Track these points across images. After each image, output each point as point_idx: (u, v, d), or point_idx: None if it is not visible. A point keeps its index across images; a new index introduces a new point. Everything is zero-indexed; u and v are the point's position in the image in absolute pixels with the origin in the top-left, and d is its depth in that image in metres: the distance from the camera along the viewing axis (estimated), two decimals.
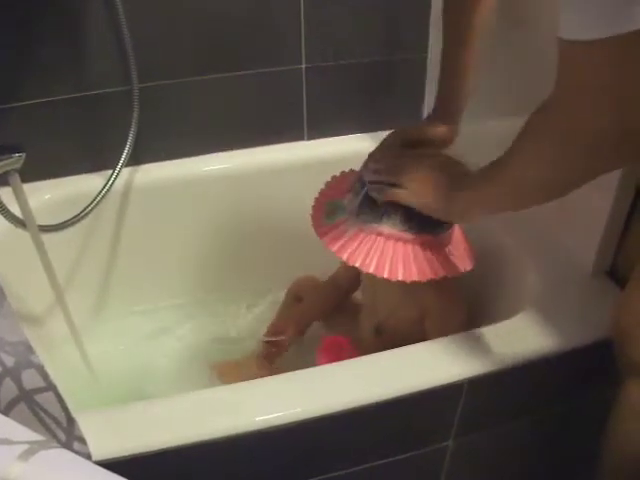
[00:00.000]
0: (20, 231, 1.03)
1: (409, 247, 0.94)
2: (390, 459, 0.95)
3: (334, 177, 1.07)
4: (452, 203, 0.87)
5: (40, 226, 1.04)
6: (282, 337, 1.24)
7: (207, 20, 1.24)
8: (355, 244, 0.95)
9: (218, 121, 1.36)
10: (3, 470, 0.43)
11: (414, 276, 0.92)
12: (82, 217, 1.19)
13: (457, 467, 1.02)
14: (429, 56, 1.39)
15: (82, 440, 0.72)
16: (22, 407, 0.64)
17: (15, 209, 1.01)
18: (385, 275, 0.92)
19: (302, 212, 1.05)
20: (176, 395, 0.89)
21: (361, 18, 1.33)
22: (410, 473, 1.00)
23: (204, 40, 1.26)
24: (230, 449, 0.82)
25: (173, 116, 1.32)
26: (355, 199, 0.97)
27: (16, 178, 0.94)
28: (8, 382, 0.63)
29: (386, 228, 0.94)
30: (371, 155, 1.01)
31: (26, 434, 0.50)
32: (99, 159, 1.29)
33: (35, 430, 0.52)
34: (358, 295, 1.25)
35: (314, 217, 1.02)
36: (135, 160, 1.31)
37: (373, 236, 0.94)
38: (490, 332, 0.94)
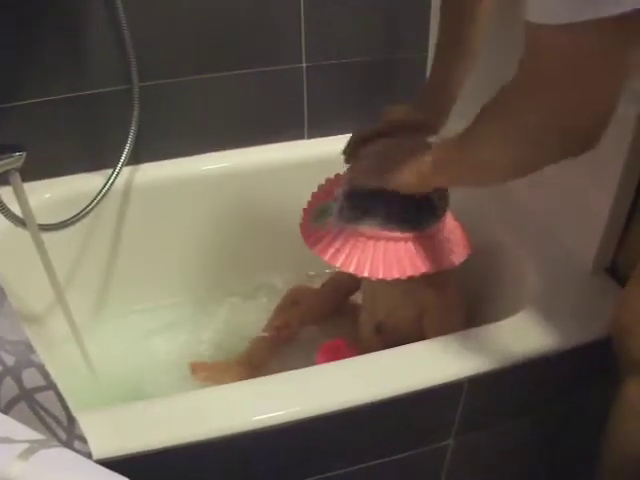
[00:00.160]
0: (20, 230, 1.03)
1: (391, 245, 0.94)
2: (390, 458, 0.95)
3: (327, 179, 1.07)
4: (423, 178, 0.87)
5: (40, 225, 1.04)
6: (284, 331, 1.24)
7: (207, 19, 1.24)
8: (337, 245, 0.95)
9: (218, 120, 1.36)
10: (3, 469, 0.43)
11: (395, 274, 0.92)
12: (82, 216, 1.19)
13: (458, 466, 1.02)
14: (429, 55, 1.39)
15: (83, 439, 0.72)
16: (22, 406, 0.64)
17: (15, 208, 1.01)
18: (365, 274, 0.92)
19: (302, 211, 1.05)
20: (176, 394, 0.89)
21: (361, 17, 1.33)
22: (411, 472, 1.00)
23: (204, 39, 1.26)
24: (230, 448, 0.82)
25: (173, 115, 1.32)
26: (338, 200, 0.98)
27: (16, 177, 0.93)
28: (8, 381, 0.63)
29: (367, 228, 0.94)
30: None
31: (26, 433, 0.50)
32: (99, 158, 1.29)
33: (35, 429, 0.52)
34: (357, 296, 1.25)
35: (303, 220, 1.03)
36: (135, 159, 1.31)
37: (354, 236, 0.94)
38: (490, 331, 0.94)
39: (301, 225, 1.03)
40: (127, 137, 1.23)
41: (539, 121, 0.65)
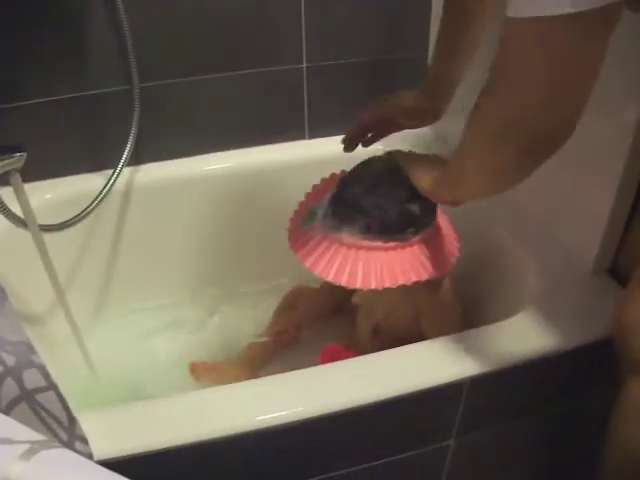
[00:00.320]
0: (21, 231, 1.03)
1: (371, 254, 0.92)
2: (391, 458, 0.95)
3: (323, 179, 1.07)
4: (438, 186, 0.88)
5: (41, 226, 1.04)
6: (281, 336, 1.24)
7: (208, 20, 1.24)
8: (319, 251, 0.94)
9: (219, 120, 1.36)
10: (4, 470, 0.43)
11: (372, 284, 0.91)
12: (83, 217, 1.19)
13: (458, 466, 1.01)
14: (430, 55, 1.39)
15: (84, 440, 0.72)
16: (23, 407, 0.64)
17: (16, 209, 1.01)
18: (343, 283, 0.91)
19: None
20: (178, 394, 0.89)
21: (362, 17, 1.33)
22: (412, 472, 1.00)
23: (205, 40, 1.26)
24: (232, 449, 0.82)
25: (174, 116, 1.32)
26: (324, 205, 0.98)
27: (17, 178, 0.93)
28: (9, 382, 0.63)
29: (348, 236, 0.93)
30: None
31: (27, 434, 0.50)
32: (100, 159, 1.29)
33: (36, 430, 0.52)
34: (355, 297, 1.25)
35: (292, 220, 1.03)
36: (136, 160, 1.31)
37: (336, 243, 0.94)
38: (491, 331, 0.94)
39: (289, 227, 1.02)
40: (128, 137, 1.23)
41: (509, 122, 0.65)
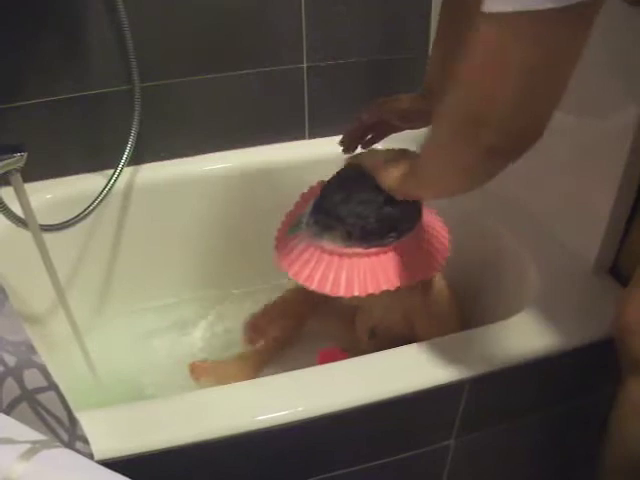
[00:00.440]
0: (22, 231, 1.03)
1: (354, 261, 0.92)
2: (392, 458, 0.95)
3: (311, 187, 1.07)
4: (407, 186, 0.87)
5: (41, 226, 1.04)
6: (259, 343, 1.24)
7: (208, 19, 1.24)
8: (303, 259, 0.94)
9: (219, 120, 1.36)
10: (6, 469, 0.43)
11: (355, 291, 0.90)
12: (83, 217, 1.19)
13: (459, 466, 1.01)
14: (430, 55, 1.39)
15: (84, 439, 0.72)
16: (24, 407, 0.64)
17: (17, 209, 1.01)
18: (327, 291, 0.91)
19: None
20: (179, 394, 0.89)
21: (362, 17, 1.33)
22: (412, 472, 1.00)
23: (205, 39, 1.26)
24: (231, 448, 0.82)
25: (174, 115, 1.32)
26: (306, 213, 0.98)
27: (18, 178, 0.93)
28: (10, 382, 0.63)
29: (329, 244, 0.93)
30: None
31: (28, 434, 0.50)
32: (100, 159, 1.29)
33: (37, 430, 0.52)
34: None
35: (280, 231, 1.03)
36: (136, 160, 1.31)
37: (319, 251, 0.93)
38: (492, 331, 0.94)
39: (277, 236, 1.02)
40: (128, 137, 1.23)
41: (480, 119, 0.62)
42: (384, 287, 0.90)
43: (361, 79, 1.40)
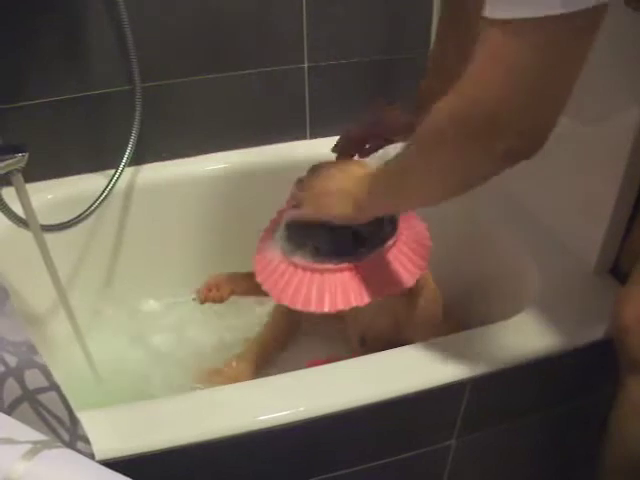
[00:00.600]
0: (23, 231, 1.03)
1: (326, 277, 0.92)
2: (393, 458, 0.95)
3: (288, 200, 1.06)
4: (359, 209, 0.86)
5: (43, 226, 1.04)
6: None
7: (209, 19, 1.24)
8: (277, 274, 0.95)
9: (221, 120, 1.36)
10: (7, 469, 0.43)
11: (325, 307, 0.90)
12: (84, 217, 1.19)
13: (460, 466, 1.01)
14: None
15: (85, 439, 0.72)
16: (25, 407, 0.64)
17: (18, 209, 1.01)
18: (299, 307, 0.91)
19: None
20: (180, 394, 0.89)
21: (363, 17, 1.33)
22: (413, 472, 1.00)
23: (206, 40, 1.26)
24: (233, 448, 0.82)
25: (176, 116, 1.32)
26: (282, 229, 0.99)
27: (19, 178, 0.94)
28: (11, 382, 0.63)
29: (300, 260, 0.94)
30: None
31: (29, 434, 0.50)
32: (101, 159, 1.29)
33: (38, 430, 0.52)
34: None
35: (262, 239, 1.03)
36: (137, 160, 1.31)
37: (291, 268, 0.94)
38: (493, 331, 0.94)
39: (257, 246, 1.02)
40: (129, 137, 1.23)
41: (481, 125, 0.62)
42: (354, 303, 0.91)
43: (362, 79, 1.40)
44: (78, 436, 0.71)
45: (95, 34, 1.19)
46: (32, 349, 0.67)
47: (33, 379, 0.66)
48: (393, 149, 0.83)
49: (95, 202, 1.21)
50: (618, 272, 1.02)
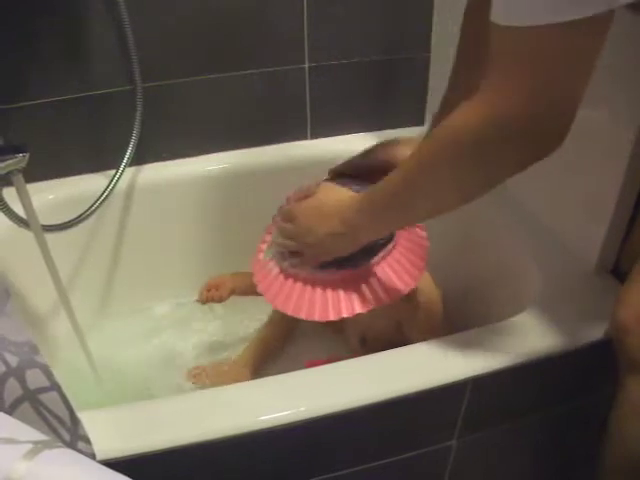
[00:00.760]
0: (24, 231, 1.04)
1: (317, 286, 0.93)
2: (394, 458, 0.95)
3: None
4: (356, 240, 0.86)
5: (43, 226, 1.04)
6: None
7: (210, 19, 1.24)
8: (269, 281, 0.96)
9: (221, 120, 1.36)
10: (7, 469, 0.44)
11: (316, 316, 0.91)
12: (85, 217, 1.19)
13: (461, 467, 1.01)
14: (432, 56, 1.39)
15: (86, 439, 0.72)
16: (26, 407, 0.64)
17: (18, 209, 1.01)
18: (302, 316, 0.92)
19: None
20: (181, 394, 0.89)
21: (363, 17, 1.33)
22: (414, 473, 1.00)
23: (207, 40, 1.26)
24: (233, 448, 0.82)
25: (176, 116, 1.32)
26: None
27: (20, 178, 0.94)
28: (12, 382, 0.63)
29: (290, 268, 0.94)
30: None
31: (30, 434, 0.50)
32: (102, 159, 1.30)
33: (39, 430, 0.52)
34: None
35: (259, 248, 1.04)
36: (138, 160, 1.31)
37: (291, 277, 0.94)
38: (493, 331, 0.94)
39: (255, 259, 1.03)
40: (130, 138, 1.23)
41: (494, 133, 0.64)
42: (358, 310, 0.91)
43: (363, 79, 1.40)
44: (79, 436, 0.71)
45: (96, 34, 1.19)
46: (34, 349, 0.67)
47: (34, 379, 0.66)
48: None
49: (96, 202, 1.21)
50: (619, 272, 1.02)
